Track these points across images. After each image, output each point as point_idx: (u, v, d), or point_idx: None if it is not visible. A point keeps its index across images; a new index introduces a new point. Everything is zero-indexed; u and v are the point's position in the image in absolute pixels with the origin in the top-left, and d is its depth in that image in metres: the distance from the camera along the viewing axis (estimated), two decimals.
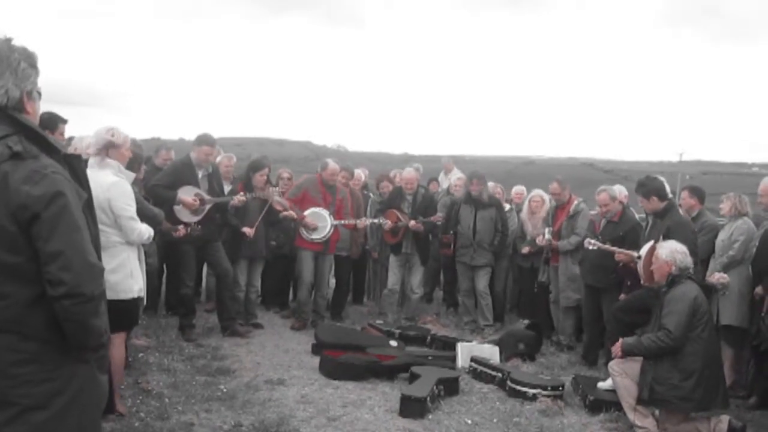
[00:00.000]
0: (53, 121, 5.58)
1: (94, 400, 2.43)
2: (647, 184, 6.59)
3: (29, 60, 2.31)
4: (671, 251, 5.44)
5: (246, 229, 7.71)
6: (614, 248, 6.88)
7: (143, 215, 4.96)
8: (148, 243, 5.02)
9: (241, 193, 7.62)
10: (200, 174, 7.31)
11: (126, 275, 4.64)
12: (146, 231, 4.83)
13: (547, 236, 8.26)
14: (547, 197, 8.72)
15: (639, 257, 6.18)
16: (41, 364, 2.23)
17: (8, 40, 2.28)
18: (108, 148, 4.70)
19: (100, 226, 4.46)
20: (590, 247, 7.10)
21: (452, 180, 10.55)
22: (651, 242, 6.04)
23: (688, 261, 5.44)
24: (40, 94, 2.40)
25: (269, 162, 8.66)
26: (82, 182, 2.40)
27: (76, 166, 2.39)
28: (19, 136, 2.22)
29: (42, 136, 2.29)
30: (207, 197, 7.20)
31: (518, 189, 10.08)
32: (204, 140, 7.31)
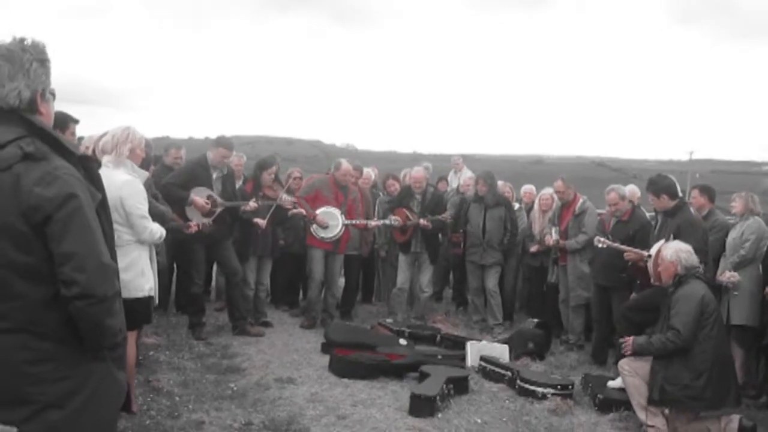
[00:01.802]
0: (64, 121, 5.58)
1: (110, 398, 2.43)
2: (658, 182, 6.58)
3: (40, 56, 2.30)
4: (675, 251, 5.44)
5: (258, 220, 7.71)
6: (624, 247, 6.88)
7: (151, 213, 4.98)
8: (159, 242, 5.04)
9: (253, 199, 7.63)
10: (215, 175, 7.34)
11: (137, 274, 4.65)
12: (158, 230, 4.85)
13: (554, 236, 8.26)
14: (556, 196, 8.71)
15: (649, 256, 6.17)
16: (57, 363, 2.24)
17: (21, 41, 2.28)
18: (123, 148, 4.73)
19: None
20: (600, 246, 7.10)
21: (462, 179, 10.55)
22: (662, 241, 6.03)
23: (694, 260, 5.43)
24: (54, 95, 2.40)
25: (278, 161, 8.68)
26: (96, 183, 2.40)
27: (89, 167, 2.39)
28: (32, 138, 2.22)
29: (55, 137, 2.29)
30: (219, 200, 7.21)
31: (527, 188, 10.07)
32: (222, 143, 7.35)
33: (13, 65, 2.25)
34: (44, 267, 2.20)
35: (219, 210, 7.19)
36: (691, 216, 6.57)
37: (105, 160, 4.71)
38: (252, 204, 7.54)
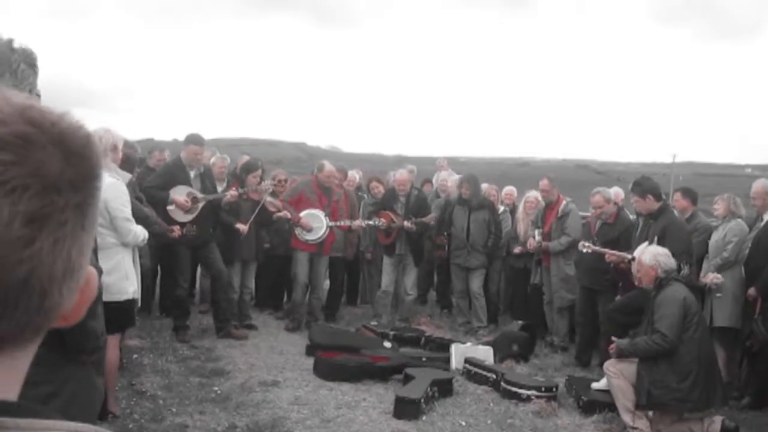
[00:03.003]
0: None
1: (89, 402, 2.44)
2: (643, 183, 6.64)
3: (29, 60, 2.30)
4: (653, 255, 5.49)
5: (240, 225, 7.69)
6: (606, 250, 6.90)
7: (135, 216, 4.97)
8: (143, 245, 5.02)
9: (233, 188, 7.62)
10: (192, 174, 7.33)
11: (121, 277, 4.63)
12: (141, 233, 4.83)
13: (537, 238, 8.27)
14: (541, 198, 8.72)
15: (633, 258, 6.20)
16: (38, 367, 2.21)
17: (9, 42, 2.27)
18: (105, 150, 4.70)
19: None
20: (585, 251, 7.12)
21: (439, 180, 10.59)
22: (645, 243, 6.06)
23: (672, 263, 5.49)
24: (39, 96, 2.39)
25: (262, 164, 8.67)
26: None
27: None
28: None
29: None
30: (200, 195, 7.21)
31: (508, 189, 10.10)
32: (192, 140, 7.35)
33: (0, 65, 2.24)
34: None
35: (201, 204, 7.18)
36: (675, 218, 6.63)
37: None
38: (233, 193, 7.52)
